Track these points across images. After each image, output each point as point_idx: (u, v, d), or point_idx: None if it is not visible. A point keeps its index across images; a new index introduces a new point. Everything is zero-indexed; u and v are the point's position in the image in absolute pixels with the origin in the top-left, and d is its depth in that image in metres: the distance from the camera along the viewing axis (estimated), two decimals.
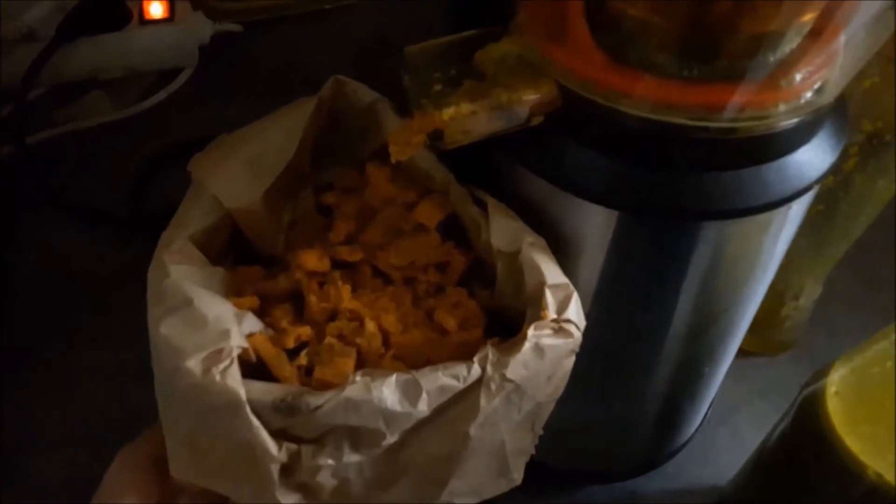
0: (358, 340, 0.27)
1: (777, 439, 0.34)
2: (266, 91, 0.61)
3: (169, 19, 0.59)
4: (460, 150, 0.26)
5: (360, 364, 0.27)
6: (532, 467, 0.29)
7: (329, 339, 0.27)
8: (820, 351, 0.47)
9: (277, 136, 0.31)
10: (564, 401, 0.28)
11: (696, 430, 0.42)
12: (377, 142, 0.33)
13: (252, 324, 0.26)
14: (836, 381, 0.29)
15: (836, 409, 0.29)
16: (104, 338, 0.46)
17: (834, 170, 0.28)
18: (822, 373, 0.31)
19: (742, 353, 0.38)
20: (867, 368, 0.28)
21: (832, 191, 0.37)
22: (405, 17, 0.62)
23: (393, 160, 0.27)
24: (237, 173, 0.30)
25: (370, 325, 0.28)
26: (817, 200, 0.36)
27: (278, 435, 0.24)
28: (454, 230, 0.31)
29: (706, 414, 0.42)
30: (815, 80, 0.24)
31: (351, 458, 0.25)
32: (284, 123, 0.31)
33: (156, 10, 0.58)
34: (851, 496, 0.28)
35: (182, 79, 0.60)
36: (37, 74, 0.54)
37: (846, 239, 0.40)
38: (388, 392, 0.24)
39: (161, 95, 0.59)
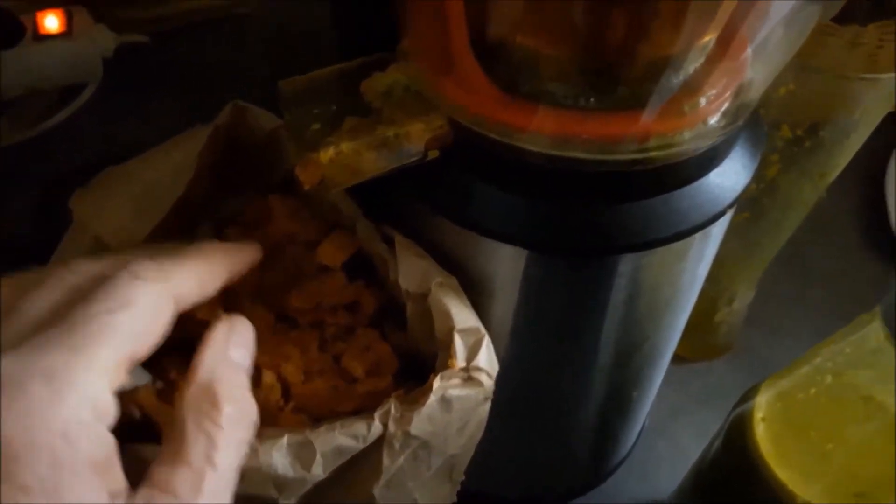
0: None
1: (711, 459, 0.32)
2: (179, 103, 0.58)
3: (67, 33, 0.55)
4: (366, 185, 0.24)
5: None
6: (464, 496, 0.27)
7: None
8: (758, 351, 0.47)
9: (167, 170, 0.29)
10: (491, 436, 0.26)
11: (634, 443, 0.41)
12: (280, 171, 0.30)
13: (138, 375, 0.24)
14: (762, 406, 0.28)
15: (763, 436, 0.28)
16: None
17: (755, 178, 0.26)
18: (750, 393, 0.29)
19: (678, 359, 0.37)
20: (792, 394, 0.27)
21: (757, 198, 0.36)
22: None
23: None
24: (121, 210, 0.28)
25: (267, 377, 0.26)
26: (743, 208, 0.35)
27: None
28: (365, 266, 0.29)
29: (643, 426, 0.41)
30: (721, 102, 0.23)
31: None
32: (175, 156, 0.29)
33: (51, 24, 0.54)
34: None
35: (86, 95, 0.56)
36: None
37: (775, 243, 0.39)
38: (279, 457, 0.22)
39: (63, 114, 0.55)
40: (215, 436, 0.19)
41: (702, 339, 0.45)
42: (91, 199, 0.28)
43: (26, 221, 0.51)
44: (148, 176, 0.28)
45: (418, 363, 0.27)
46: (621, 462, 0.41)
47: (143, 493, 0.17)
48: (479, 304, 0.26)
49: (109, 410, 0.17)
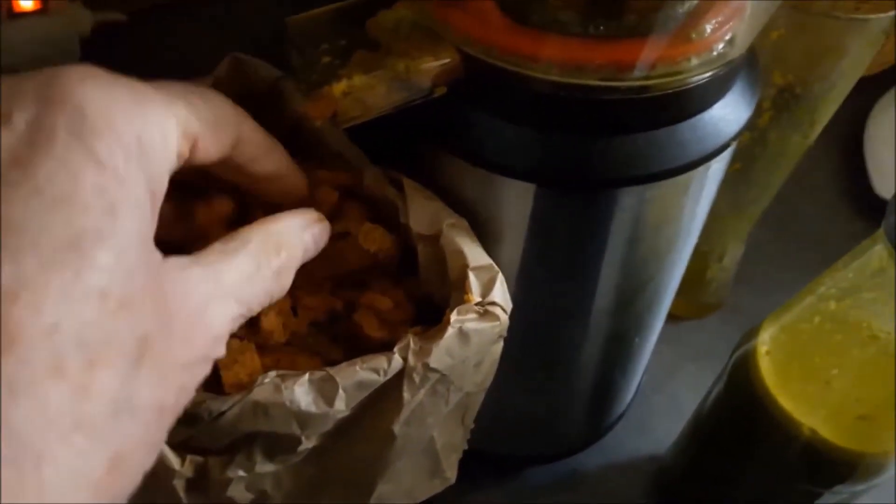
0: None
1: (712, 404, 0.33)
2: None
3: (42, 11, 0.53)
4: (371, 129, 0.24)
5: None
6: (467, 455, 0.28)
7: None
8: (748, 309, 0.47)
9: None
10: (496, 385, 0.26)
11: (632, 400, 0.41)
12: (283, 124, 0.30)
13: None
14: (766, 341, 0.29)
15: (767, 368, 0.28)
16: None
17: (749, 126, 0.27)
18: (751, 333, 0.30)
19: (671, 317, 0.37)
20: (796, 326, 0.28)
21: (748, 148, 0.36)
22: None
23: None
24: None
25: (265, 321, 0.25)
26: (734, 159, 0.35)
27: (181, 447, 0.21)
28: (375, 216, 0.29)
29: (640, 383, 0.42)
30: (725, 30, 0.23)
31: (265, 467, 0.22)
32: None
33: (26, 2, 0.53)
34: (788, 454, 0.28)
35: None
36: None
37: (764, 196, 0.40)
38: (301, 392, 0.21)
39: None
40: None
41: (694, 297, 0.45)
42: None
43: None
44: None
45: (431, 310, 0.27)
46: (619, 417, 0.41)
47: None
48: (487, 248, 0.26)
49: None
